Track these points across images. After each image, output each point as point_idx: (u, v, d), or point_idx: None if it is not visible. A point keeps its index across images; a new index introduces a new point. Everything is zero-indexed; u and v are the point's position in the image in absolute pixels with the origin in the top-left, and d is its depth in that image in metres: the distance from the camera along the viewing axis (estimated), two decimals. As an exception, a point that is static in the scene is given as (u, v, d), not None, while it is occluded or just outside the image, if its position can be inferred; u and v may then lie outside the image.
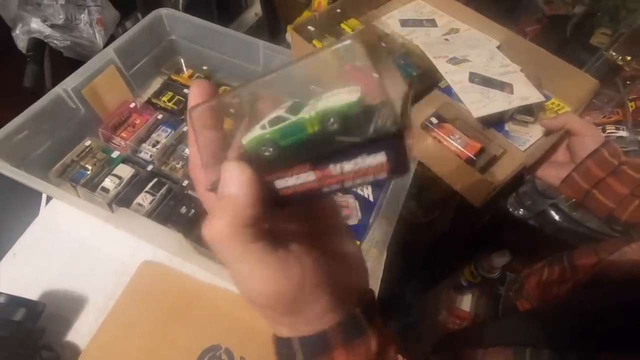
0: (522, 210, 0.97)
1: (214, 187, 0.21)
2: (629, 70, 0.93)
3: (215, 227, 0.20)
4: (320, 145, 0.20)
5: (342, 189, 0.20)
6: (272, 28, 1.45)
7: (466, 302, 1.15)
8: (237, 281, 0.22)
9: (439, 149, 0.65)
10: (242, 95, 0.22)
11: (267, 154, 0.21)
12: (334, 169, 0.20)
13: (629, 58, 0.97)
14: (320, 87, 0.20)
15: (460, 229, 1.26)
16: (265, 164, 0.21)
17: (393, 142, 0.18)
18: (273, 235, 0.21)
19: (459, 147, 0.65)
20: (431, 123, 0.67)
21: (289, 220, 0.24)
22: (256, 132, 0.21)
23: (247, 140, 0.22)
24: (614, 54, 0.98)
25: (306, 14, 1.14)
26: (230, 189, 0.19)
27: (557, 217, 0.93)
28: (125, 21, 1.30)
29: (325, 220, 0.26)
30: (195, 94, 0.22)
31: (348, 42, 0.18)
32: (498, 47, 0.76)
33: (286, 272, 0.21)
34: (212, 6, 1.38)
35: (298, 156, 0.20)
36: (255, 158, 0.21)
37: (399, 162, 0.19)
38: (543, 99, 0.67)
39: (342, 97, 0.19)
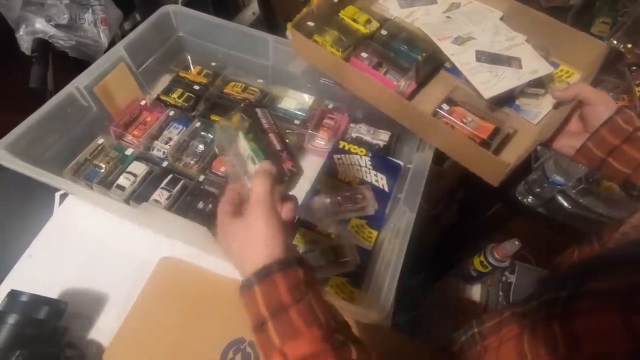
0: (531, 198, 0.98)
1: None
2: (632, 57, 0.95)
3: (262, 187, 0.38)
4: None
5: None
6: (270, 26, 1.45)
7: (476, 292, 1.15)
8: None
9: (453, 134, 0.64)
10: None
11: None
12: None
13: (630, 46, 0.99)
14: None
15: (468, 219, 1.27)
16: None
17: None
18: None
19: (472, 130, 0.64)
20: (442, 109, 0.67)
21: None
22: None
23: None
24: (615, 42, 0.99)
25: (304, 11, 1.13)
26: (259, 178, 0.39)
27: (565, 204, 0.94)
28: (124, 22, 1.30)
29: None
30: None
31: None
32: (501, 19, 0.74)
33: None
34: (209, 5, 1.38)
35: None
36: None
37: None
38: (552, 69, 0.66)
39: None
